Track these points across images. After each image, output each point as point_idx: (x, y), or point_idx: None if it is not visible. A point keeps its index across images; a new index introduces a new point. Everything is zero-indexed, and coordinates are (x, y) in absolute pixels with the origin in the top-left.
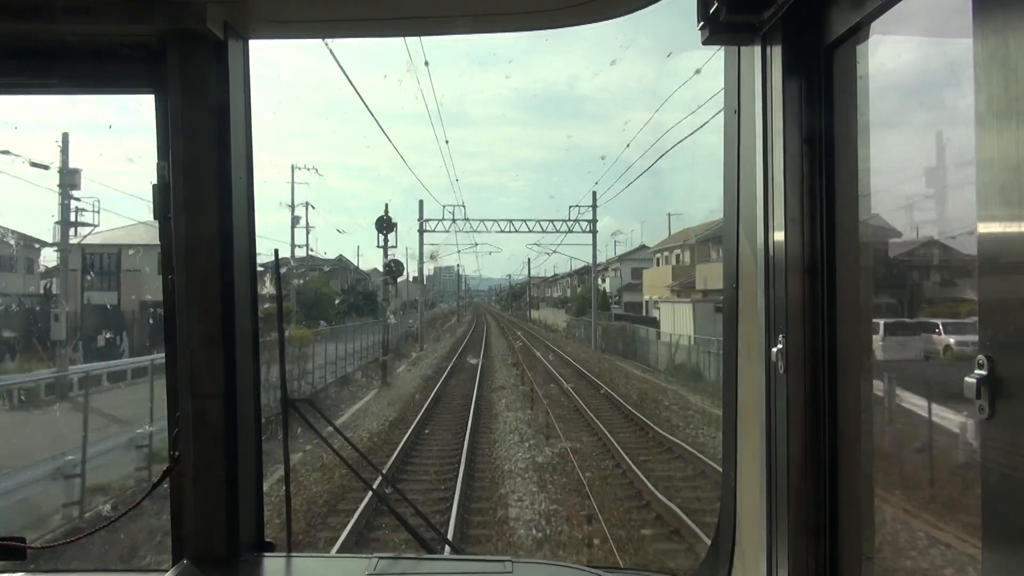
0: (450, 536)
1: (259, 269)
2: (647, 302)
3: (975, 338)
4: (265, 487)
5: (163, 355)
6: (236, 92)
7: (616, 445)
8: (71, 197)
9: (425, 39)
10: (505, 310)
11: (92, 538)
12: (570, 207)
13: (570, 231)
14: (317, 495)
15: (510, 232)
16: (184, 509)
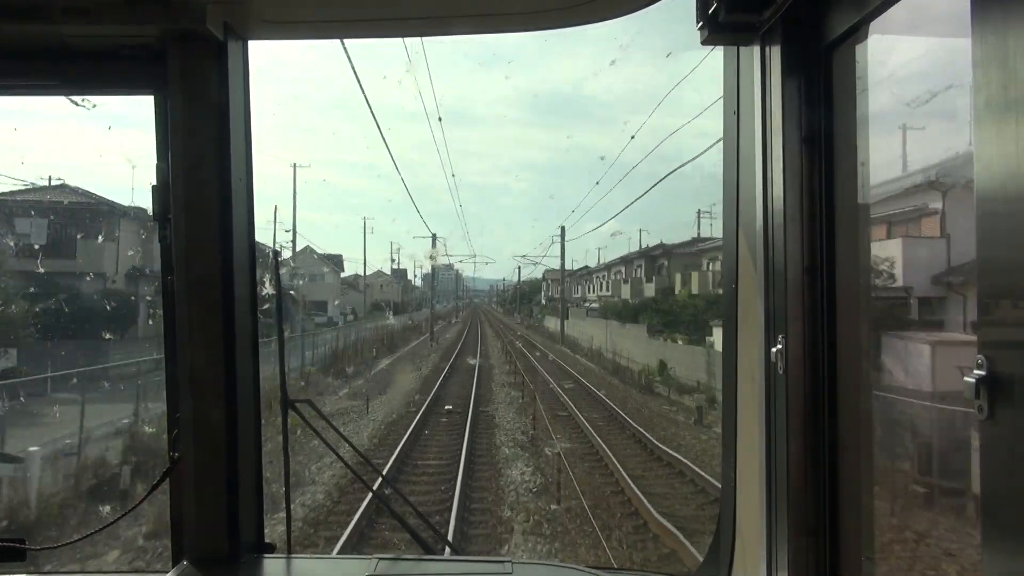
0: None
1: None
2: None
3: None
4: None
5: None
6: (236, 93)
7: None
8: None
9: (427, 39)
10: (509, 314)
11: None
12: None
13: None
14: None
15: None
16: (184, 510)
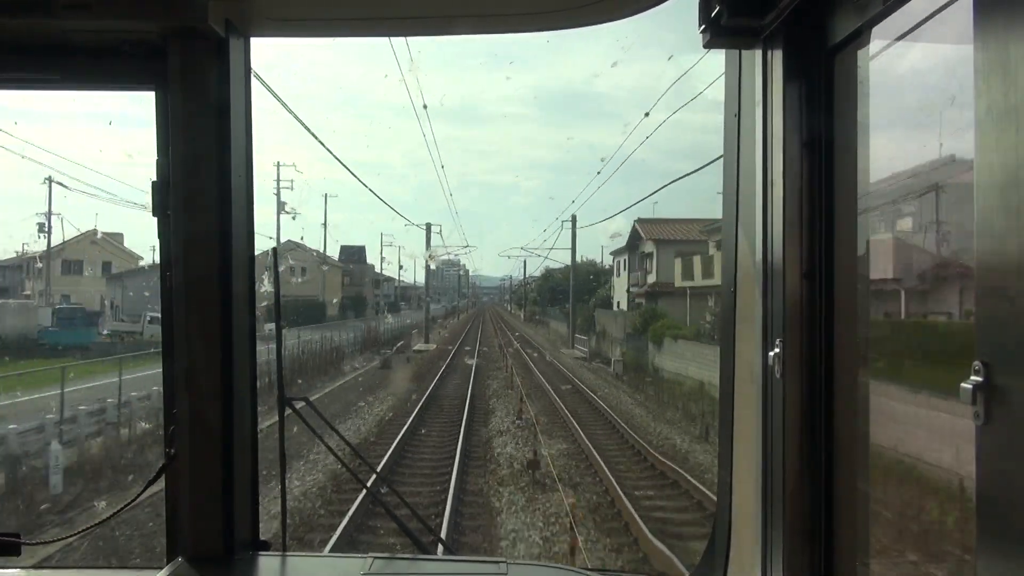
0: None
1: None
2: None
3: None
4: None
5: None
6: (237, 90)
7: None
8: None
9: (435, 38)
10: (538, 322)
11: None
12: None
13: None
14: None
15: None
16: (179, 507)
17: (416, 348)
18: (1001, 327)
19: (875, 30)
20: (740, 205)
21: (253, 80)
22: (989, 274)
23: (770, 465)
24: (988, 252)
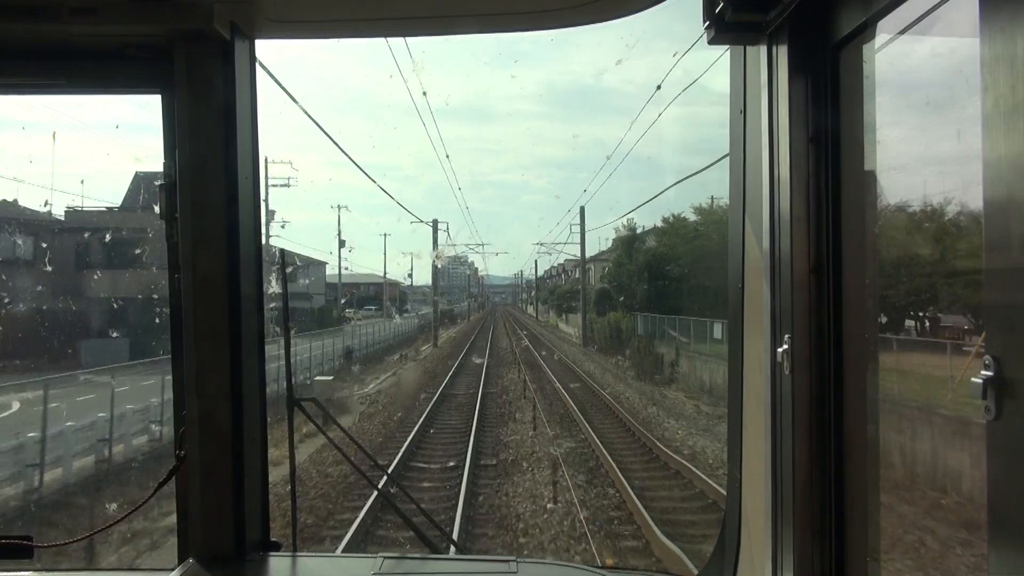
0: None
1: None
2: None
3: None
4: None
5: None
6: (243, 92)
7: None
8: None
9: (439, 38)
10: (639, 355)
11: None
12: None
13: None
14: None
15: None
16: (190, 508)
17: None
18: (1011, 321)
19: (880, 24)
20: (747, 201)
21: (262, 82)
22: (998, 268)
23: (780, 462)
24: (997, 247)
